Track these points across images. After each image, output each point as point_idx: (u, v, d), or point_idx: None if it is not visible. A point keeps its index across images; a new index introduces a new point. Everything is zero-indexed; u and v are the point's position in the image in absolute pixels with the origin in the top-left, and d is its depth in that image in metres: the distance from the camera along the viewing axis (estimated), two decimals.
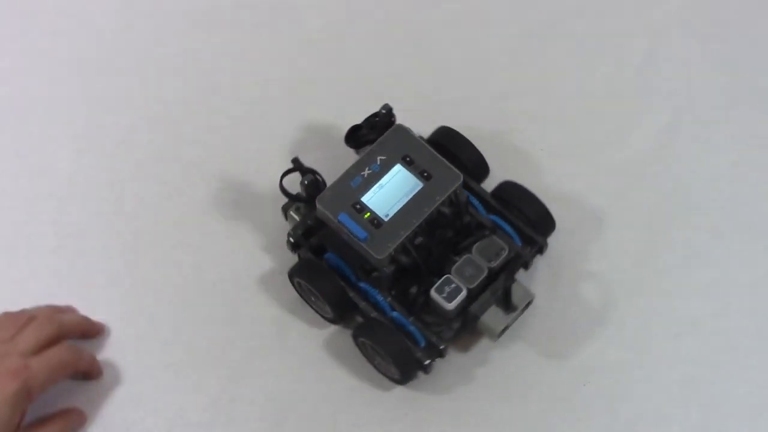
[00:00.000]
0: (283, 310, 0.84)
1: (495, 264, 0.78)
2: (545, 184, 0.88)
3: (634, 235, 0.87)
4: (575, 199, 0.88)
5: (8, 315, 0.77)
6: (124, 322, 0.83)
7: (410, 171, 0.78)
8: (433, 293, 0.77)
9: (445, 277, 0.77)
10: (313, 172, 0.79)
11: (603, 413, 0.81)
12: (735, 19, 0.96)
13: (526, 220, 0.82)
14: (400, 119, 0.86)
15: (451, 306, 0.76)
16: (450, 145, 0.83)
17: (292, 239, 0.81)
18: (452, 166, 0.79)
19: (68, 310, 0.82)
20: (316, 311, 0.83)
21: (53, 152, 0.90)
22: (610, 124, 0.91)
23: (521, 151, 0.90)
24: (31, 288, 0.84)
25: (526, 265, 0.81)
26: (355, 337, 0.80)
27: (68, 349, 0.76)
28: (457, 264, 0.78)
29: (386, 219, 0.77)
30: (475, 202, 0.82)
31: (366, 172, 0.78)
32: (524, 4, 0.97)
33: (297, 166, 0.80)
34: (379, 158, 0.78)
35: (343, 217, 0.76)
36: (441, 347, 0.78)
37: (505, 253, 0.79)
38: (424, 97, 0.92)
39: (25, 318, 0.76)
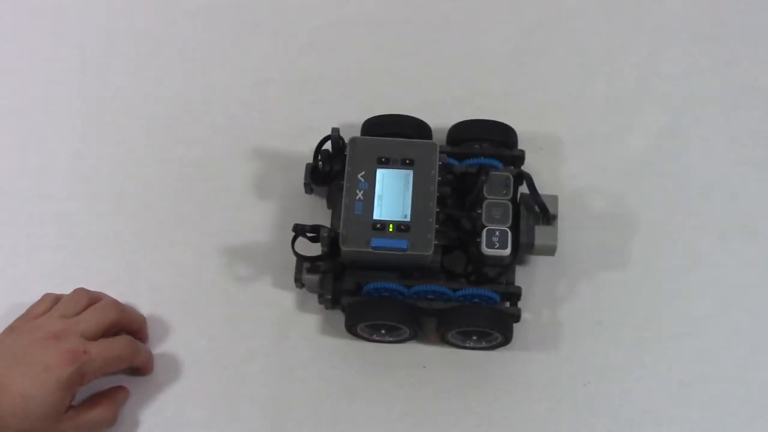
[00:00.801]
0: (283, 310, 0.83)
1: (510, 193, 0.80)
2: (545, 184, 0.88)
3: (634, 235, 0.87)
4: (575, 198, 0.88)
5: (76, 291, 0.78)
6: None
7: (393, 168, 0.79)
8: (486, 250, 0.78)
9: (485, 230, 0.78)
10: (319, 226, 0.78)
11: (603, 413, 0.80)
12: (735, 19, 0.96)
13: (495, 144, 0.84)
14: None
15: (507, 250, 0.78)
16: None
17: (329, 296, 0.80)
18: (423, 140, 0.81)
19: (131, 308, 0.82)
20: (391, 342, 0.82)
21: (53, 152, 0.90)
22: (610, 124, 0.91)
23: None
24: (31, 288, 0.84)
25: (522, 168, 0.84)
26: (443, 335, 0.80)
27: (129, 342, 0.77)
28: (483, 214, 0.79)
29: (409, 219, 0.77)
30: (452, 161, 0.83)
31: (359, 194, 0.78)
32: (524, 4, 0.97)
33: (300, 229, 0.78)
34: (359, 176, 0.78)
35: (376, 242, 0.76)
36: (517, 290, 0.80)
37: (511, 180, 0.81)
38: (423, 96, 0.92)
39: (90, 297, 0.78)
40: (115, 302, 0.80)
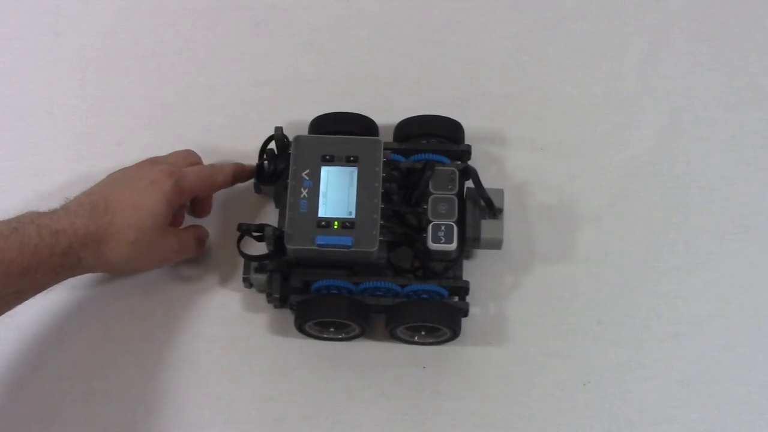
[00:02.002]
0: (283, 309, 0.83)
1: (456, 187, 0.80)
2: (545, 184, 0.89)
3: (634, 235, 0.87)
4: (575, 199, 0.88)
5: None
6: (124, 321, 0.83)
7: (337, 165, 0.79)
8: (432, 245, 0.78)
9: (430, 225, 0.79)
10: (264, 225, 0.78)
11: (603, 413, 0.80)
12: (735, 19, 0.96)
13: (442, 140, 0.85)
14: (398, 116, 0.86)
15: (453, 245, 0.78)
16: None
17: (277, 295, 0.80)
18: (367, 137, 0.82)
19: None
20: (340, 339, 0.82)
21: (53, 152, 0.90)
22: (610, 124, 0.91)
23: (521, 151, 0.90)
24: None
25: (469, 162, 0.84)
26: (392, 331, 0.80)
27: (210, 166, 0.85)
28: (429, 209, 0.79)
29: (353, 216, 0.77)
30: (399, 157, 0.83)
31: (303, 192, 0.78)
32: (524, 4, 0.97)
33: (245, 229, 0.79)
34: (303, 174, 0.79)
35: (321, 239, 0.76)
36: (465, 285, 0.80)
37: (456, 174, 0.81)
38: (423, 96, 0.92)
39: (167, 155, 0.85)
40: (188, 152, 0.85)
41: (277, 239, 0.77)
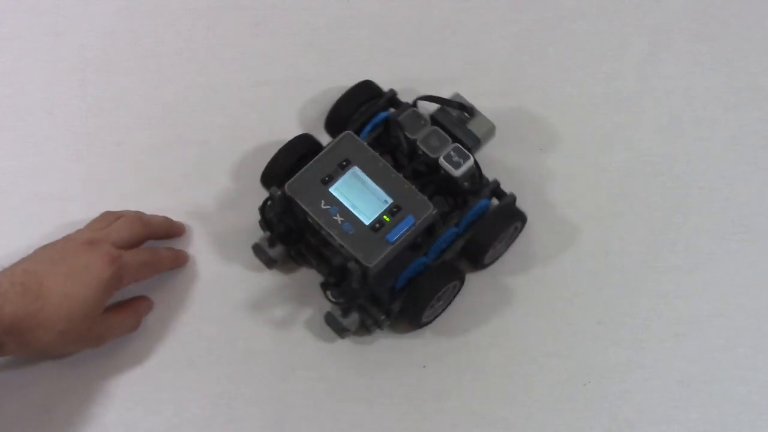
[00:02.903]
0: (283, 309, 0.84)
1: (427, 120, 0.83)
2: (545, 184, 0.89)
3: (634, 235, 0.87)
4: (575, 199, 0.88)
5: (103, 213, 0.81)
6: None
7: (338, 178, 0.79)
8: (457, 172, 0.80)
9: (441, 159, 0.80)
10: (342, 267, 0.77)
11: (603, 413, 0.81)
12: (735, 19, 0.96)
13: (368, 104, 0.87)
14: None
15: (471, 159, 0.81)
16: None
17: (383, 318, 0.80)
18: (337, 137, 0.81)
19: (153, 215, 0.84)
20: (442, 309, 0.83)
21: (53, 152, 0.90)
22: (610, 124, 0.91)
23: (521, 151, 0.90)
24: None
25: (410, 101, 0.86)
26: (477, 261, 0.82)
27: (154, 251, 0.82)
28: (427, 150, 0.81)
29: (392, 200, 0.78)
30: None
31: (338, 219, 0.77)
32: (524, 4, 0.97)
33: (333, 283, 0.78)
34: (322, 206, 0.78)
35: (391, 236, 0.77)
36: (495, 184, 0.84)
37: (416, 110, 0.84)
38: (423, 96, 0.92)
39: (116, 215, 0.81)
40: (139, 214, 0.82)
41: (363, 272, 0.77)
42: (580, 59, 0.94)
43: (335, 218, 0.77)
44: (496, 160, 0.89)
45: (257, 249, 0.83)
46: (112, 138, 0.91)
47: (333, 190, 0.78)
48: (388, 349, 0.83)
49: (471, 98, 0.92)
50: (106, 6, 0.96)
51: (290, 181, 0.79)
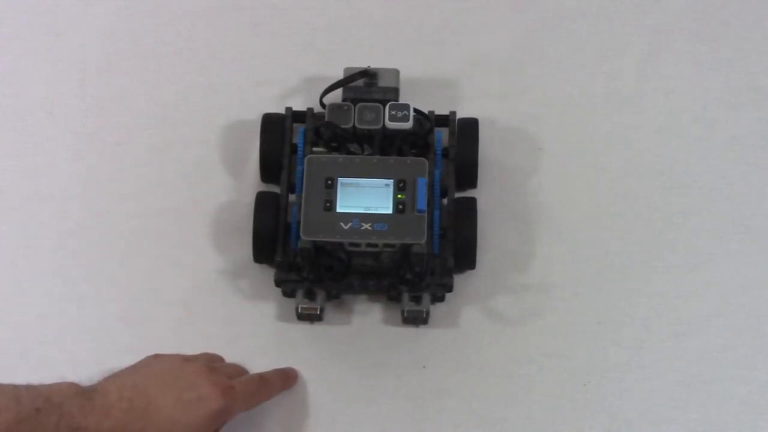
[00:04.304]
0: (283, 309, 0.83)
1: (351, 110, 0.84)
2: (545, 184, 0.89)
3: (634, 235, 0.87)
4: (575, 199, 0.88)
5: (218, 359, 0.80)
6: (124, 322, 0.83)
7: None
8: (407, 125, 0.83)
9: (387, 113, 0.83)
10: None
11: (603, 413, 0.80)
12: (735, 19, 0.96)
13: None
14: None
15: (409, 108, 0.83)
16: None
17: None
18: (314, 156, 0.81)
19: (269, 373, 0.80)
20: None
21: (53, 152, 0.90)
22: (610, 124, 0.91)
23: (521, 151, 0.90)
24: (31, 288, 0.84)
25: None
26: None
27: (262, 378, 0.78)
28: (384, 120, 0.83)
29: (392, 180, 0.79)
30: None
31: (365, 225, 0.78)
32: (524, 4, 0.97)
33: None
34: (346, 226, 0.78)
35: (420, 205, 0.78)
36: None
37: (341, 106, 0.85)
38: (423, 96, 0.92)
39: (237, 369, 0.79)
40: (240, 366, 0.80)
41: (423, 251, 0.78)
42: (580, 59, 0.94)
43: (363, 228, 0.78)
44: (496, 160, 0.89)
45: (304, 315, 0.81)
46: (112, 138, 0.91)
47: (340, 208, 0.78)
48: (389, 349, 0.83)
49: (471, 98, 0.92)
50: (106, 6, 0.96)
51: (301, 231, 0.78)
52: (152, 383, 0.70)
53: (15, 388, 0.66)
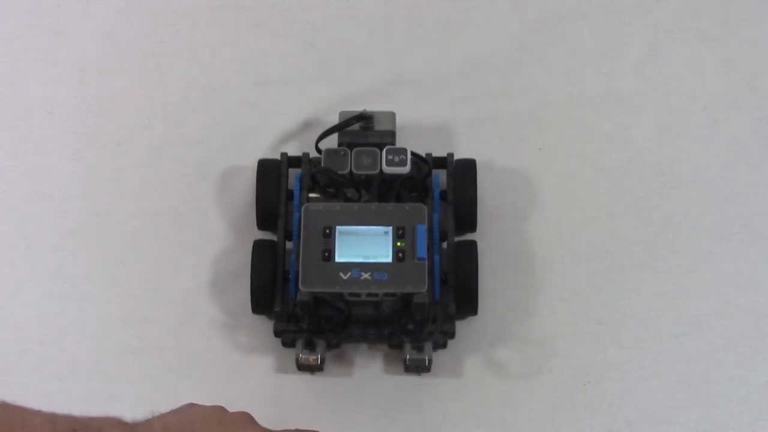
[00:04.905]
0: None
1: (348, 156, 0.83)
2: (545, 184, 0.89)
3: (634, 235, 0.87)
4: (575, 199, 0.88)
5: None
6: (124, 322, 0.83)
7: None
8: (405, 169, 0.82)
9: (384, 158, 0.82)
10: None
11: (603, 413, 0.80)
12: (735, 19, 0.96)
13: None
14: (399, 117, 0.87)
15: (407, 167, 0.82)
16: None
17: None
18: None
19: None
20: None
21: (53, 152, 0.90)
22: (610, 124, 0.91)
23: (521, 151, 0.90)
24: (31, 288, 0.84)
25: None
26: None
27: None
28: (381, 164, 0.82)
29: (391, 227, 0.78)
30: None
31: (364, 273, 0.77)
32: (524, 3, 0.97)
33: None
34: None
35: (420, 229, 0.77)
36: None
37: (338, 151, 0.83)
38: (423, 95, 0.92)
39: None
40: None
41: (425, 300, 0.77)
42: (580, 59, 0.94)
43: (363, 278, 0.77)
44: (496, 160, 0.89)
45: (304, 366, 0.79)
46: (112, 138, 0.91)
47: (339, 258, 0.77)
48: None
49: (471, 98, 0.92)
50: (106, 6, 0.96)
51: (300, 282, 0.77)
52: (198, 424, 0.69)
53: (53, 414, 0.66)
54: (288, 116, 0.91)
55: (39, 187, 0.88)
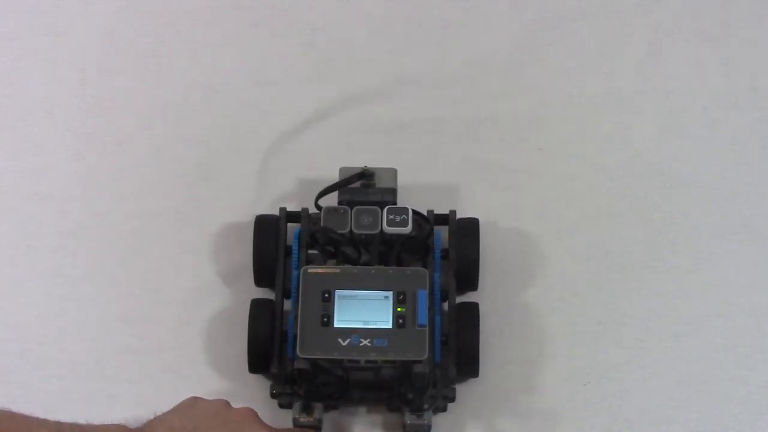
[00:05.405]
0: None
1: (348, 213, 0.81)
2: (545, 184, 0.89)
3: (634, 235, 0.87)
4: (575, 199, 0.88)
5: None
6: (124, 322, 0.83)
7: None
8: (407, 229, 0.80)
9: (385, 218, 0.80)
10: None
11: (603, 413, 0.80)
12: (735, 19, 0.96)
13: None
14: (398, 115, 0.87)
15: (409, 227, 0.80)
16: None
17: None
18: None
19: None
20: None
21: (53, 152, 0.90)
22: (610, 124, 0.91)
23: (521, 151, 0.90)
24: (31, 288, 0.84)
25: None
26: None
27: None
28: (381, 225, 0.80)
29: (391, 291, 0.77)
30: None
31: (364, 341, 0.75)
32: (524, 3, 0.97)
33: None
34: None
35: (421, 318, 0.75)
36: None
37: (344, 210, 0.81)
38: (423, 95, 0.92)
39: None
40: None
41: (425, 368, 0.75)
42: (580, 59, 0.94)
43: (362, 344, 0.75)
44: (496, 161, 0.89)
45: (301, 425, 0.76)
46: (112, 138, 0.91)
47: (338, 323, 0.76)
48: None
49: (471, 98, 0.92)
50: (106, 6, 0.96)
51: (298, 348, 0.75)
52: (202, 424, 0.69)
53: (58, 423, 0.66)
54: (288, 116, 0.91)
55: (39, 187, 0.88)
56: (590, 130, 0.91)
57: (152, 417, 0.71)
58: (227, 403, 0.72)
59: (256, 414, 0.72)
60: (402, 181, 0.84)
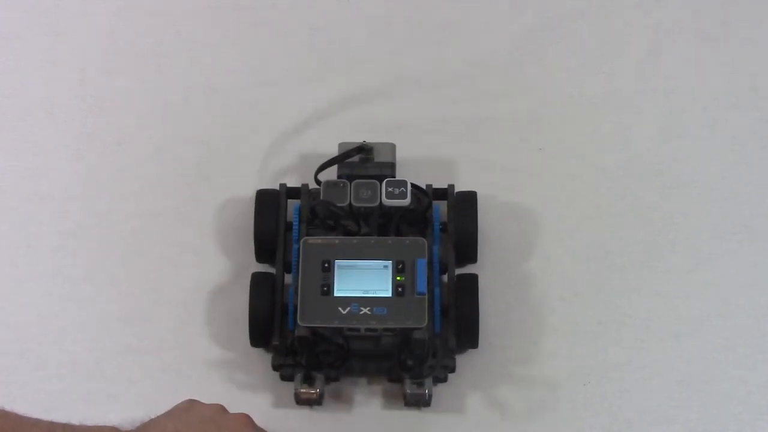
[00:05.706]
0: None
1: (347, 190, 0.81)
2: (545, 184, 0.89)
3: (633, 235, 0.87)
4: (575, 199, 0.88)
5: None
6: (124, 322, 0.83)
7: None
8: (405, 201, 0.80)
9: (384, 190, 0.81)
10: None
11: (603, 413, 0.80)
12: (735, 19, 0.96)
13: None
14: (398, 116, 0.87)
15: (408, 199, 0.80)
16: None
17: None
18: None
19: None
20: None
21: (53, 152, 0.90)
22: (610, 124, 0.91)
23: (521, 151, 0.90)
24: (31, 288, 0.84)
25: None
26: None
27: None
28: (381, 197, 0.81)
29: (390, 261, 0.77)
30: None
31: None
32: (524, 3, 0.97)
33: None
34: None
35: (420, 287, 0.76)
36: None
37: (343, 184, 0.82)
38: (423, 95, 0.92)
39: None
40: None
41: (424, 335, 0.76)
42: (580, 59, 0.94)
43: (362, 312, 0.76)
44: (496, 161, 0.89)
45: (303, 400, 0.77)
46: (112, 138, 0.91)
47: (338, 292, 0.76)
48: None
49: (471, 98, 0.92)
50: (106, 6, 0.96)
51: (298, 317, 0.75)
52: (196, 430, 0.69)
53: (51, 423, 0.66)
54: (288, 116, 0.91)
55: (39, 187, 0.88)
56: (590, 130, 0.91)
57: (147, 419, 0.71)
58: (223, 408, 0.72)
59: (251, 420, 0.72)
60: (400, 156, 0.85)
